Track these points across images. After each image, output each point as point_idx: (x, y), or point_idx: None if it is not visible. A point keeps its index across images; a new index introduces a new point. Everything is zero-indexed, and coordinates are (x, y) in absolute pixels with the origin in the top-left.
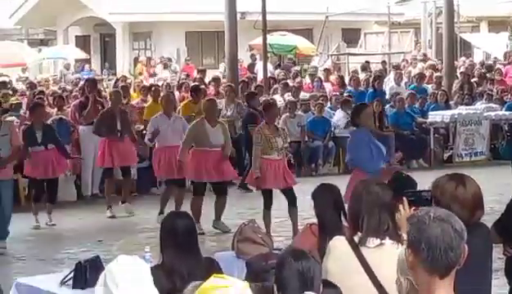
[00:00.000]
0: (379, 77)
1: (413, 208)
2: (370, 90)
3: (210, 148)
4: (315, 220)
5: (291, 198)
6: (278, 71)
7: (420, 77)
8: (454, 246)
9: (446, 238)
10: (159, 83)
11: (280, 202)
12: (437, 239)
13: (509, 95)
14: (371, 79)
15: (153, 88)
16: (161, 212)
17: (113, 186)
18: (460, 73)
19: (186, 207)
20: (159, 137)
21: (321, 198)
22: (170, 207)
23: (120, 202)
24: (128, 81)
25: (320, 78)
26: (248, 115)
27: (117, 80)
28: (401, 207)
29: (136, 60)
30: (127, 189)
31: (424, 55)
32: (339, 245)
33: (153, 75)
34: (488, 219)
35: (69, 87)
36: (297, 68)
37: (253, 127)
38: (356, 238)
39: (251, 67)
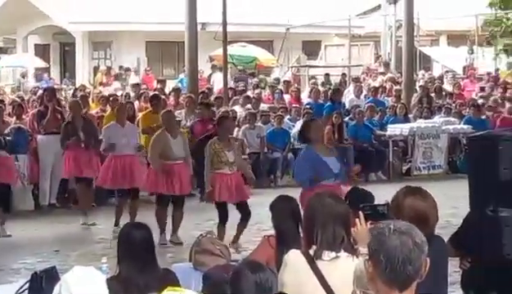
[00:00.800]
0: (338, 89)
1: (369, 222)
2: (328, 103)
3: (174, 160)
4: (272, 232)
5: (244, 214)
6: (237, 83)
7: (375, 90)
8: (413, 258)
9: (404, 250)
10: (118, 93)
11: (233, 214)
12: (396, 251)
13: (467, 109)
14: (329, 92)
15: (111, 98)
16: (116, 224)
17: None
18: (420, 86)
19: (141, 218)
20: (113, 147)
21: (279, 209)
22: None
23: (82, 215)
24: (87, 90)
25: (281, 90)
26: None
27: (76, 89)
28: (357, 221)
29: (95, 70)
30: (89, 201)
31: (386, 65)
32: (294, 258)
33: (105, 85)
34: (445, 232)
35: (26, 96)
36: (256, 79)
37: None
38: (311, 252)
39: (209, 78)
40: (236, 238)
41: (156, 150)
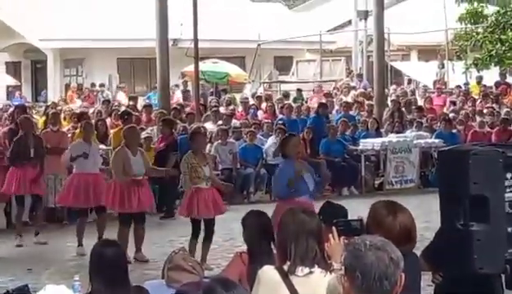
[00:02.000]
0: (324, 103)
1: (343, 238)
2: (313, 115)
3: (133, 177)
4: (245, 248)
5: (208, 231)
6: (211, 98)
7: (347, 105)
8: (389, 274)
9: (381, 266)
10: (89, 111)
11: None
12: (372, 267)
13: (438, 123)
14: (316, 106)
15: (84, 116)
16: (80, 244)
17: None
18: (391, 100)
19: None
20: (77, 163)
21: (251, 224)
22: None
23: (34, 235)
24: (59, 108)
25: (256, 106)
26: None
27: (47, 107)
28: (330, 236)
29: (67, 87)
30: (40, 220)
31: (359, 77)
32: (268, 274)
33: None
34: (418, 246)
35: None
36: (228, 95)
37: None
38: (285, 267)
39: (184, 94)
40: (203, 258)
41: (119, 166)
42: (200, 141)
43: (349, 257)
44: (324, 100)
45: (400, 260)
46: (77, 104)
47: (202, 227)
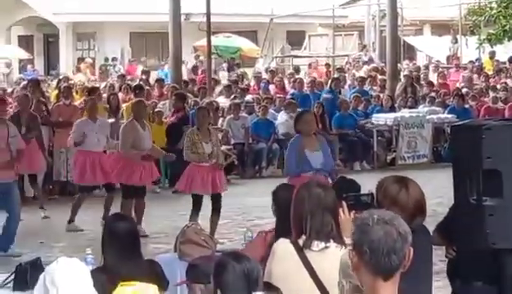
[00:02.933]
0: (337, 78)
1: (353, 212)
2: (327, 89)
3: (142, 151)
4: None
5: (216, 206)
6: (223, 72)
7: (362, 80)
8: (397, 249)
9: (389, 241)
10: (100, 85)
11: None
12: (380, 242)
13: (451, 99)
14: (330, 81)
15: (95, 90)
16: (71, 220)
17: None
18: (404, 75)
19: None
20: (83, 141)
21: (282, 197)
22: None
23: (39, 208)
24: (71, 81)
25: (267, 80)
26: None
27: (59, 81)
28: (340, 211)
29: (79, 61)
30: (39, 196)
31: (370, 58)
32: (283, 248)
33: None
34: (430, 221)
35: (9, 89)
36: (241, 70)
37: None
38: (300, 241)
39: (195, 69)
40: (212, 233)
41: (128, 140)
42: (204, 116)
43: (357, 232)
44: (317, 75)
45: (408, 234)
46: (79, 78)
47: (205, 203)
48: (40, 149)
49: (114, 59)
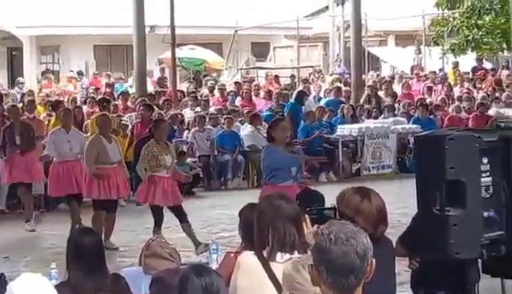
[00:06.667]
0: (302, 90)
1: (316, 226)
2: (292, 101)
3: (110, 164)
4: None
5: (180, 216)
6: (187, 84)
7: (338, 90)
8: (355, 268)
9: (346, 262)
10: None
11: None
12: (338, 263)
13: (415, 109)
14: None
15: (59, 104)
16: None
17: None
18: (368, 86)
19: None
20: (56, 152)
21: (247, 217)
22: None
23: (24, 222)
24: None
25: (235, 92)
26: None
27: (23, 95)
28: (304, 224)
29: (44, 74)
30: (28, 207)
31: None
32: (247, 260)
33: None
34: (395, 232)
35: None
36: (212, 81)
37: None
38: (265, 253)
39: (161, 81)
40: (195, 241)
41: (92, 155)
42: (163, 128)
43: (315, 251)
44: (273, 88)
45: (368, 250)
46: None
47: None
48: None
49: (79, 73)
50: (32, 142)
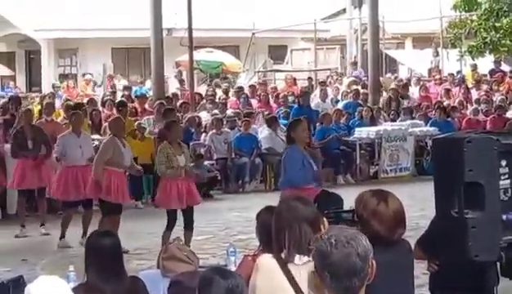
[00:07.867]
0: (306, 93)
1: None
2: (295, 106)
3: (123, 168)
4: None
5: (188, 221)
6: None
7: (356, 92)
8: (357, 270)
9: (348, 264)
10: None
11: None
12: (340, 266)
13: (433, 112)
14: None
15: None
16: (63, 237)
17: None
18: (390, 89)
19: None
20: (66, 156)
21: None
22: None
23: (39, 225)
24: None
25: (246, 95)
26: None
27: (43, 97)
28: (322, 227)
29: (61, 77)
30: (42, 211)
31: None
32: (266, 262)
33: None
34: (413, 234)
35: None
36: (226, 84)
37: None
38: (283, 255)
39: (182, 82)
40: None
41: (106, 155)
42: (176, 130)
43: (316, 257)
44: (294, 91)
45: (368, 252)
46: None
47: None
48: (46, 164)
49: (95, 82)
50: (48, 148)
